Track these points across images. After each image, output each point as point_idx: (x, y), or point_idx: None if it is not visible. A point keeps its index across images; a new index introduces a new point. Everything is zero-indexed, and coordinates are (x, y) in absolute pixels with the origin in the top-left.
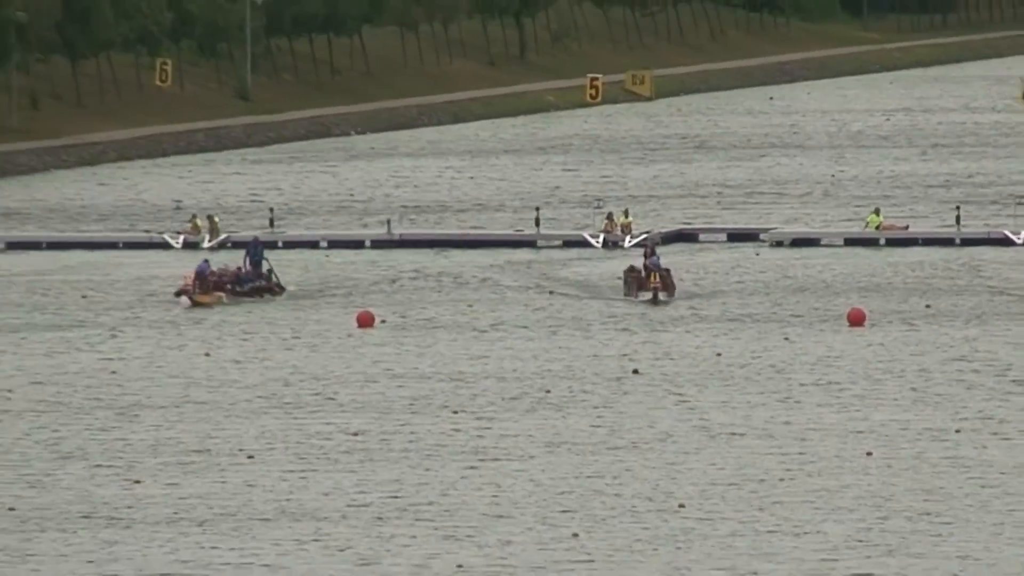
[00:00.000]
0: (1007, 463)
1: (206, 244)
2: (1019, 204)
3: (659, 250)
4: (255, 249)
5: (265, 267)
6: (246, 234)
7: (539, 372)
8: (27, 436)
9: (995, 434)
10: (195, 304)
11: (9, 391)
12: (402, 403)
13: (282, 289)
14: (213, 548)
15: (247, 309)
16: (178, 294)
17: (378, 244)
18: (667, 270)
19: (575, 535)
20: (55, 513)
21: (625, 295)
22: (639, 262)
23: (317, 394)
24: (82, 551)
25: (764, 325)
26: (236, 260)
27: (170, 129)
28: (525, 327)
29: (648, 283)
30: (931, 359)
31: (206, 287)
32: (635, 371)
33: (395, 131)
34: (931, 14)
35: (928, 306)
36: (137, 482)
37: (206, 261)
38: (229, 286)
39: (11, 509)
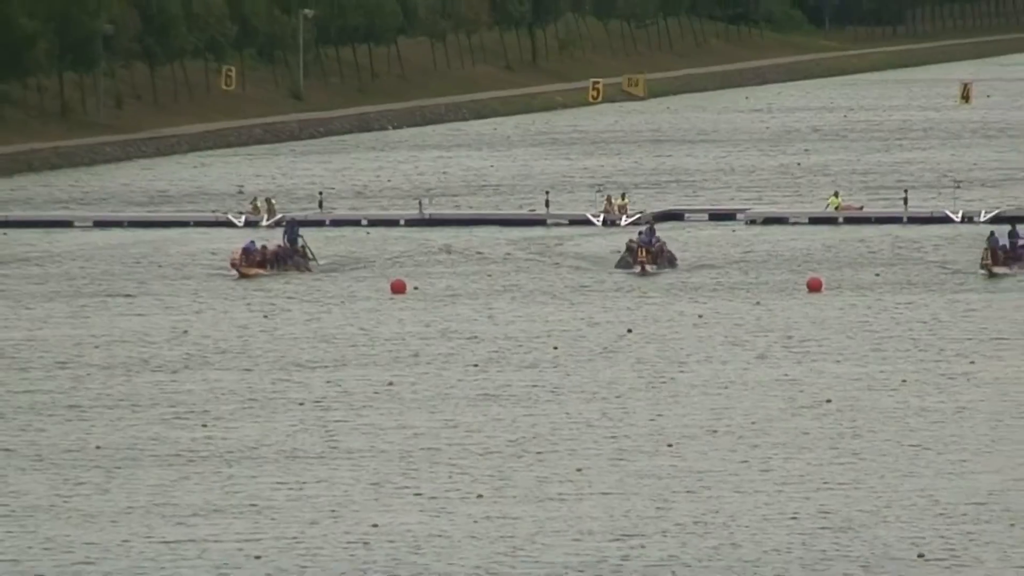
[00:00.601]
0: (947, 409)
1: (264, 223)
2: (957, 188)
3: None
4: (291, 229)
5: (300, 243)
6: (298, 214)
7: (547, 331)
8: (109, 386)
9: (935, 385)
10: (242, 275)
11: (96, 347)
12: (429, 358)
13: (315, 261)
14: (265, 482)
15: (295, 278)
16: (232, 266)
17: (411, 223)
18: (661, 246)
19: (579, 470)
20: (134, 452)
21: (616, 266)
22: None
23: (356, 348)
24: (155, 485)
25: (739, 291)
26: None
27: (234, 125)
28: (534, 292)
29: (637, 257)
30: (880, 320)
31: (251, 262)
32: (628, 331)
33: (426, 126)
34: (883, 26)
35: (878, 275)
36: (204, 425)
37: (252, 241)
38: (269, 266)
39: (97, 447)
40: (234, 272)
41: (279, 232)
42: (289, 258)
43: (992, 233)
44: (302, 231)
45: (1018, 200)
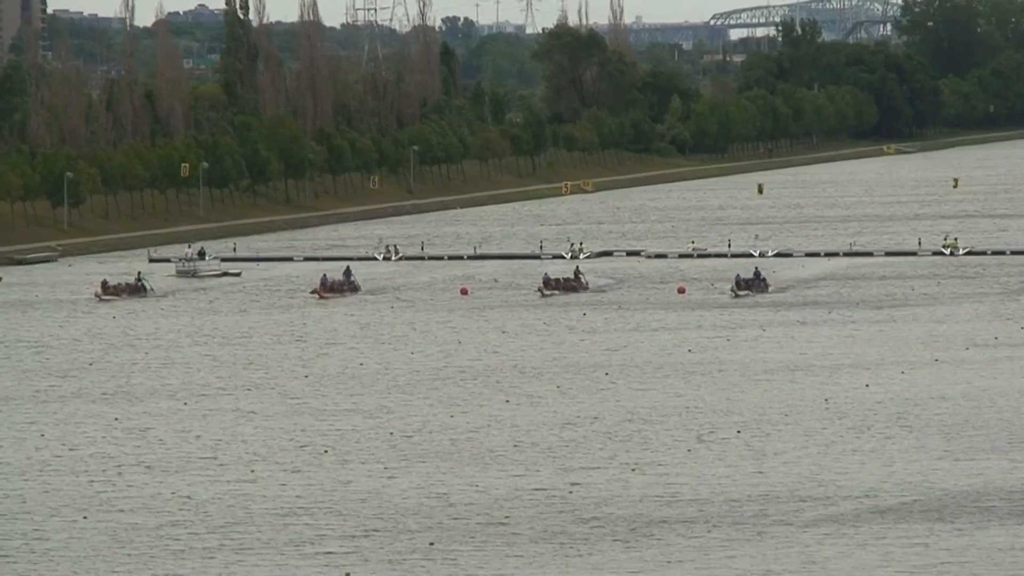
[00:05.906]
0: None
1: (393, 258)
2: (756, 238)
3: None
4: (348, 270)
5: (351, 277)
6: (411, 252)
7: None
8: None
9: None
10: (321, 297)
11: (289, 333)
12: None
13: (359, 289)
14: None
15: (349, 298)
16: (312, 292)
17: (470, 257)
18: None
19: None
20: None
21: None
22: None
23: (427, 331)
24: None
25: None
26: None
27: (377, 207)
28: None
29: (546, 286)
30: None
31: (326, 287)
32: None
33: (475, 207)
34: (715, 153)
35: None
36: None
37: (325, 274)
38: (339, 292)
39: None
40: (314, 296)
41: (396, 264)
42: (344, 287)
43: (755, 269)
44: (355, 272)
45: (780, 245)
